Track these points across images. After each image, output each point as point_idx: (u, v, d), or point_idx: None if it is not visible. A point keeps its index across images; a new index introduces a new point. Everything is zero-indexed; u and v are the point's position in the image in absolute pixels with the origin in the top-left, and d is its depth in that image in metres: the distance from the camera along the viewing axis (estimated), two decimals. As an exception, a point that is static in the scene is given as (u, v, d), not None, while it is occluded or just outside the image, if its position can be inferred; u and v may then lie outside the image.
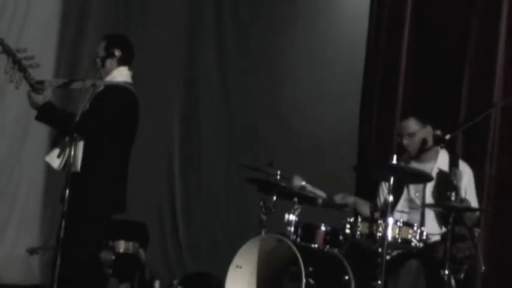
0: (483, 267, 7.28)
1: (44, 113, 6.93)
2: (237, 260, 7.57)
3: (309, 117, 9.93)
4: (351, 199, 7.86)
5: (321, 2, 10.23)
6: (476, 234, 7.30)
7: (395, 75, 8.64)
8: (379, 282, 6.90)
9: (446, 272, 6.91)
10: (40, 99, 6.89)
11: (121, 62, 7.15)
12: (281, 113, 10.10)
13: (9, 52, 6.77)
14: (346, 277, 7.38)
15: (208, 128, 10.24)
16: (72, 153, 6.80)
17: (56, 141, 7.02)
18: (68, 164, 6.80)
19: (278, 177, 7.83)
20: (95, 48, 7.27)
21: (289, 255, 7.34)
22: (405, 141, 7.69)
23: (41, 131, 10.37)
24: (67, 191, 6.72)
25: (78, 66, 10.37)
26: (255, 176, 7.97)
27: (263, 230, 7.77)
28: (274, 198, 7.81)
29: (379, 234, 7.12)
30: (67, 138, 6.87)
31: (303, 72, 10.13)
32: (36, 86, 6.89)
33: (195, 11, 10.47)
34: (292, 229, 7.66)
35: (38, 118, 6.96)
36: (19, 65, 6.79)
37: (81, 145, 6.84)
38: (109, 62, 7.15)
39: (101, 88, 7.03)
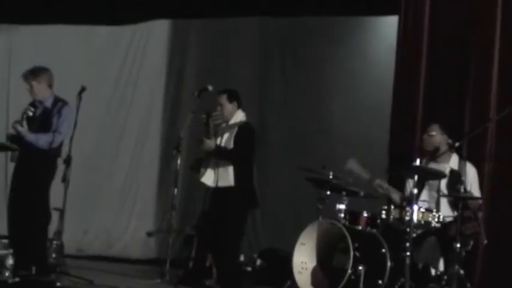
0: (485, 241, 7.42)
1: (217, 151, 7.63)
2: (302, 239, 7.65)
3: (348, 127, 9.82)
4: (385, 185, 7.83)
5: (355, 36, 10.04)
6: (479, 216, 7.40)
7: (416, 91, 8.46)
8: (407, 253, 7.01)
9: (458, 245, 7.06)
10: (213, 143, 7.58)
11: (239, 107, 7.67)
12: (326, 124, 9.99)
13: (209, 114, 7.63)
14: (383, 250, 7.40)
15: (274, 139, 10.17)
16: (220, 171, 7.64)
17: (205, 165, 7.65)
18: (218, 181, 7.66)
19: (331, 176, 7.88)
20: (215, 98, 7.83)
21: (340, 235, 7.43)
22: (425, 137, 7.80)
23: (156, 136, 10.77)
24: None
25: (181, 103, 10.64)
26: (312, 175, 7.96)
27: (320, 216, 7.83)
28: (328, 192, 7.90)
29: (407, 218, 7.24)
30: (212, 162, 7.61)
31: (343, 90, 10.03)
32: (211, 135, 7.61)
33: (263, 60, 10.48)
34: (342, 215, 7.74)
35: (216, 156, 7.68)
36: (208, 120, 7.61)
37: (231, 167, 7.53)
38: (231, 107, 7.67)
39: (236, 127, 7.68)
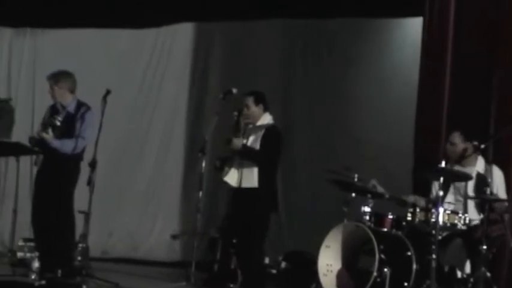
0: (512, 243, 7.39)
1: (244, 151, 7.57)
2: (327, 241, 7.66)
3: (374, 132, 9.77)
4: (416, 198, 7.80)
5: (380, 38, 10.02)
6: (506, 218, 7.37)
7: (441, 92, 8.43)
8: (433, 256, 6.98)
9: (484, 247, 7.02)
10: (240, 142, 7.53)
11: (265, 109, 7.67)
12: (352, 129, 9.96)
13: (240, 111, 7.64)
14: (408, 253, 7.40)
15: (298, 142, 10.11)
16: (245, 172, 7.59)
17: (229, 164, 7.56)
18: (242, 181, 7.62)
19: (355, 179, 7.89)
20: (239, 100, 7.83)
21: (365, 237, 7.44)
22: (448, 146, 7.79)
23: (180, 139, 10.80)
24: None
25: (204, 106, 10.66)
26: (337, 178, 7.98)
27: (345, 218, 7.82)
28: (353, 195, 7.91)
29: (432, 220, 7.22)
30: (237, 162, 7.56)
31: (368, 93, 9.98)
32: (240, 134, 7.62)
33: (287, 62, 10.46)
34: (367, 217, 7.75)
35: (241, 156, 7.62)
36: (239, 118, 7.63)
37: (256, 168, 7.45)
38: (257, 110, 7.67)
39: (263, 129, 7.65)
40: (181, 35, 10.93)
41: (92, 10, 10.77)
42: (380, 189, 7.84)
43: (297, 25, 10.41)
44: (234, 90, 7.98)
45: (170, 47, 10.97)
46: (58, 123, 7.90)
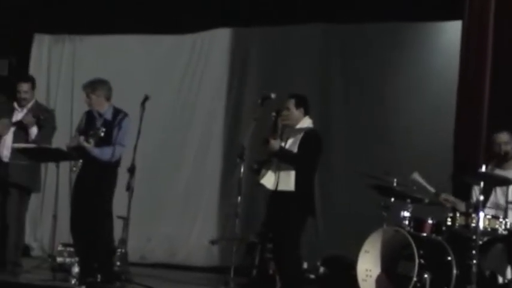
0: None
1: (281, 153, 7.47)
2: (366, 246, 7.64)
3: (412, 136, 9.71)
4: (451, 198, 7.77)
5: (418, 42, 9.94)
6: None
7: (480, 97, 8.42)
8: (474, 261, 6.95)
9: None
10: (278, 144, 7.44)
11: (306, 113, 7.64)
12: (390, 132, 9.91)
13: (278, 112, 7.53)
14: (449, 258, 7.38)
15: (336, 146, 10.04)
16: (282, 175, 7.44)
17: (266, 167, 7.52)
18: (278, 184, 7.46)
19: (395, 183, 7.86)
20: (277, 103, 7.74)
21: (405, 242, 7.41)
22: (503, 147, 7.69)
23: (217, 144, 10.82)
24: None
25: (242, 111, 10.69)
26: (377, 182, 7.98)
27: (384, 223, 7.83)
28: (392, 199, 7.90)
29: (473, 224, 7.17)
30: (274, 165, 7.45)
31: (406, 97, 9.93)
32: (278, 136, 7.49)
33: (325, 67, 10.43)
34: (406, 222, 7.73)
35: (279, 158, 7.49)
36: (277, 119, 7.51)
37: (293, 171, 7.37)
38: (297, 113, 7.63)
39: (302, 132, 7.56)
40: (219, 40, 10.97)
41: (130, 16, 10.88)
42: (422, 182, 7.78)
43: (335, 29, 10.39)
44: (273, 96, 7.93)
45: (208, 53, 11.03)
46: (102, 134, 7.92)
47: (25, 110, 8.54)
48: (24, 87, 8.51)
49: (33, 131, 8.34)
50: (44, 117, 8.34)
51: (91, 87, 8.20)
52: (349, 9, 10.01)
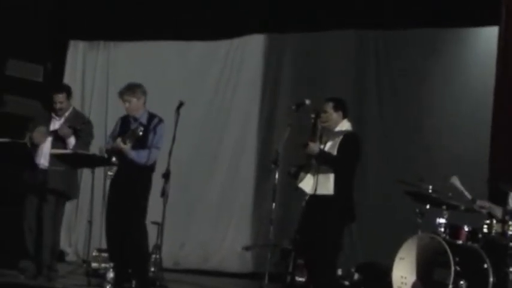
0: None
1: (321, 156, 7.44)
2: (401, 253, 7.60)
3: (447, 141, 9.68)
4: (488, 204, 7.70)
5: (454, 48, 9.89)
6: None
7: None
8: (511, 268, 6.96)
9: None
10: (317, 147, 7.41)
11: (344, 116, 7.61)
12: (425, 137, 9.86)
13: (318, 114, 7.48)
14: (485, 265, 7.32)
15: (371, 152, 9.86)
16: (320, 178, 7.39)
17: (305, 170, 7.49)
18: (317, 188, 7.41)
19: (430, 190, 7.80)
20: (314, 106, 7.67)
21: (440, 249, 7.37)
22: None
23: (251, 150, 10.83)
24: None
25: (276, 117, 10.68)
26: (412, 189, 7.90)
27: (419, 230, 7.77)
28: (427, 206, 7.84)
29: (510, 232, 7.15)
30: (313, 169, 7.40)
31: (442, 102, 9.89)
32: (317, 138, 7.46)
33: (359, 72, 10.42)
34: (442, 229, 7.67)
35: (318, 161, 7.44)
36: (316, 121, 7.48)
37: (332, 175, 7.32)
38: (336, 116, 7.60)
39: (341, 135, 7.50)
40: (252, 46, 11.00)
41: (164, 22, 10.94)
42: (460, 187, 7.73)
43: (369, 35, 10.39)
44: (307, 102, 7.88)
45: (242, 59, 11.06)
46: (141, 133, 7.95)
47: (63, 119, 8.58)
48: (60, 97, 8.53)
49: (71, 141, 8.37)
50: (81, 128, 8.37)
51: (131, 90, 8.25)
52: (384, 15, 9.97)
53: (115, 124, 8.53)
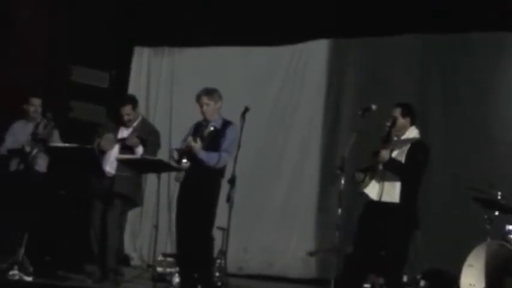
0: None
1: (390, 164, 7.41)
2: (469, 260, 7.57)
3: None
4: None
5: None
6: None
7: None
8: None
9: None
10: (387, 155, 7.39)
11: (412, 123, 7.54)
12: (490, 145, 9.75)
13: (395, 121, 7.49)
14: None
15: (436, 158, 9.69)
16: (386, 185, 7.37)
17: (370, 176, 7.43)
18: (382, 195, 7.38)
19: (499, 197, 7.74)
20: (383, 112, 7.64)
21: (510, 257, 7.33)
22: None
23: (315, 156, 10.77)
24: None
25: (340, 123, 10.62)
26: (481, 195, 7.86)
27: (488, 236, 7.71)
28: (497, 213, 7.77)
29: None
30: (379, 175, 7.36)
31: (509, 109, 9.75)
32: (390, 145, 7.42)
33: (424, 78, 10.30)
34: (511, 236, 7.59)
35: (386, 167, 7.44)
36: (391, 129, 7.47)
37: (398, 183, 7.22)
38: (403, 122, 7.53)
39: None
40: (316, 52, 10.97)
41: (227, 28, 10.96)
42: None
43: (435, 40, 10.26)
44: (373, 107, 7.82)
45: (305, 64, 11.04)
46: (212, 128, 7.97)
47: (131, 128, 8.63)
48: (126, 109, 8.57)
49: (139, 150, 8.42)
50: (148, 138, 8.42)
51: (210, 94, 8.30)
52: (452, 19, 9.84)
53: (188, 130, 8.51)
